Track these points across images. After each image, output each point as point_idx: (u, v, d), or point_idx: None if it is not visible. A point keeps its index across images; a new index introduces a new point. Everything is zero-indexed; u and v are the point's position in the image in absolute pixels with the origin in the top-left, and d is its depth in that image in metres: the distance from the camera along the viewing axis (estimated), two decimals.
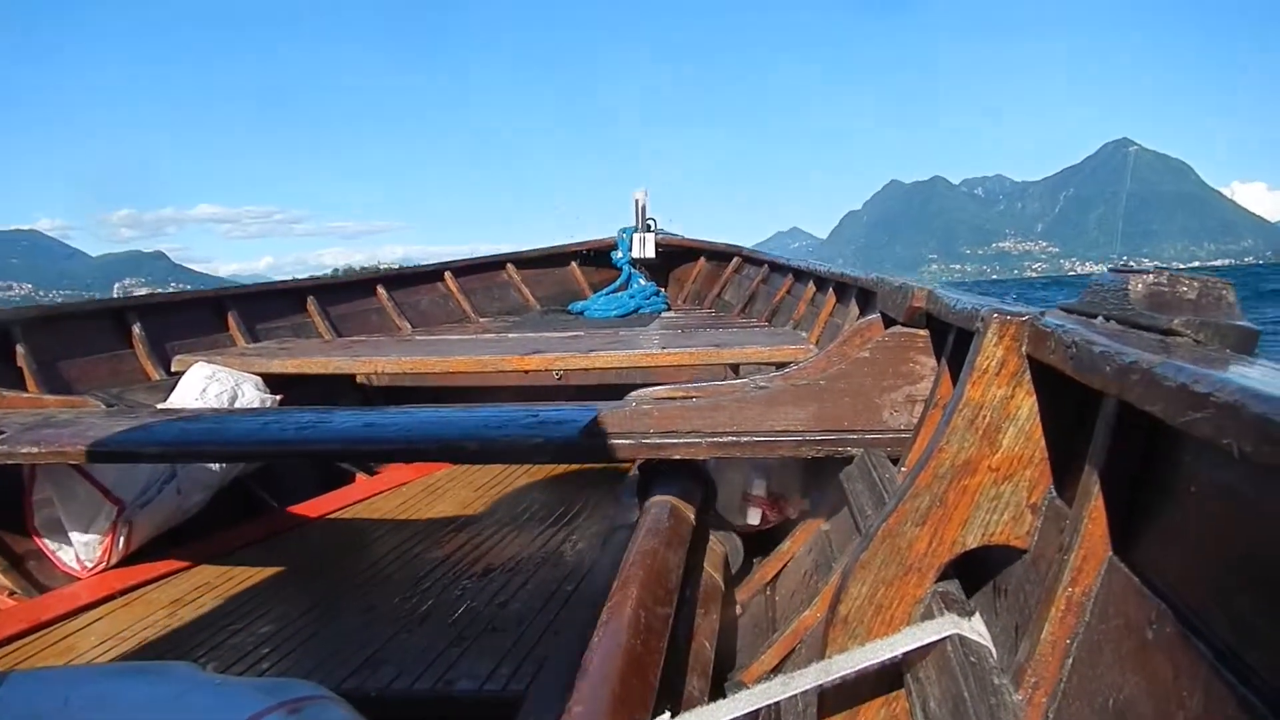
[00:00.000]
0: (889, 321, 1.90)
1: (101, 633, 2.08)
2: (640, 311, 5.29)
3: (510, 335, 4.17)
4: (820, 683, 1.01)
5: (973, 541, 1.09)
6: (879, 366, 1.81)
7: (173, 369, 3.32)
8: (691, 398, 1.87)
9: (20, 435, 2.09)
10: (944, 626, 1.03)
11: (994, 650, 1.02)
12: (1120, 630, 0.84)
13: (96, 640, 2.04)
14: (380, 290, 4.80)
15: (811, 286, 3.87)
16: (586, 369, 3.42)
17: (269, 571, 2.46)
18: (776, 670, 1.64)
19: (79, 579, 2.39)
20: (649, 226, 5.87)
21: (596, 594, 1.30)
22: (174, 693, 1.10)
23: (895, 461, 1.67)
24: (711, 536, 1.98)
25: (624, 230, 5.86)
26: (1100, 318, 1.03)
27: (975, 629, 1.03)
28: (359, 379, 4.08)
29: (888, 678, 1.10)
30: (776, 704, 1.01)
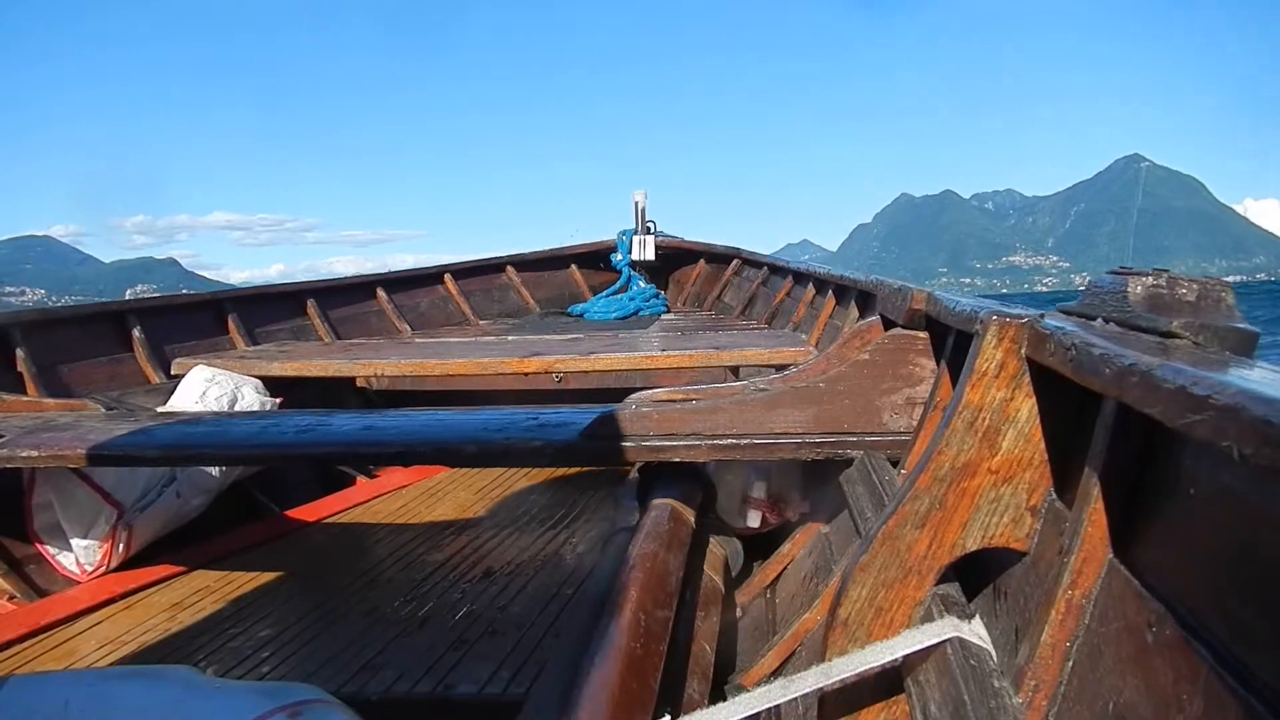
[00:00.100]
0: (888, 324, 1.90)
1: (101, 637, 2.08)
2: (640, 314, 5.29)
3: (510, 338, 4.17)
4: (820, 685, 1.01)
5: (973, 544, 1.09)
6: (878, 369, 1.81)
7: (172, 372, 3.32)
8: (691, 400, 1.87)
9: (20, 439, 2.09)
10: (944, 629, 1.03)
11: (994, 653, 1.02)
12: (1120, 633, 0.84)
13: (96, 644, 2.04)
14: (380, 293, 4.80)
15: (811, 289, 3.87)
16: (586, 371, 3.42)
17: (269, 575, 2.46)
18: (776, 673, 1.64)
19: (79, 583, 2.39)
20: (649, 229, 5.87)
21: (597, 597, 1.29)
22: (174, 696, 1.10)
23: (895, 464, 1.67)
24: (711, 539, 1.98)
25: (624, 233, 5.87)
26: (1099, 320, 1.03)
27: (975, 632, 1.03)
28: (359, 382, 4.08)
29: (888, 680, 1.10)
30: (776, 707, 1.00)
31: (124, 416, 2.45)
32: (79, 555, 2.40)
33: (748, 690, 1.01)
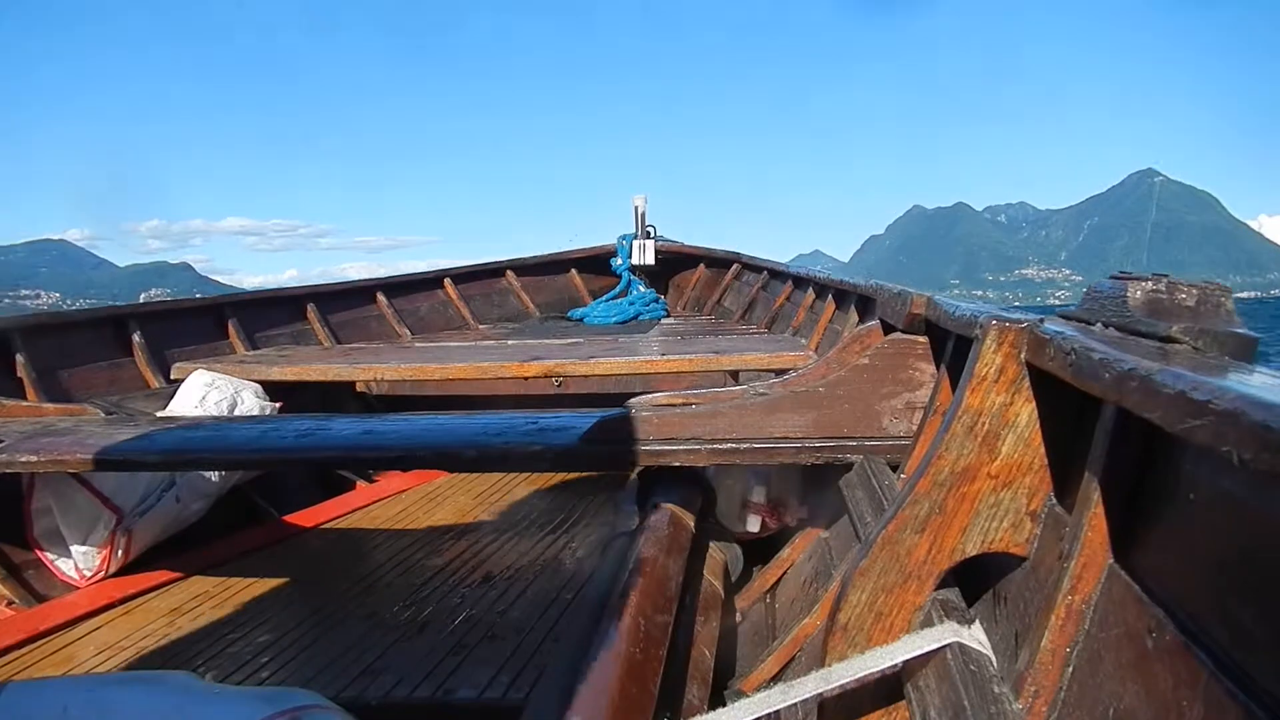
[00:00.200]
0: (888, 328, 1.90)
1: (100, 642, 2.08)
2: (640, 318, 5.29)
3: (510, 342, 4.18)
4: (820, 691, 1.01)
5: (972, 549, 1.08)
6: (878, 373, 1.81)
7: (172, 377, 3.32)
8: (691, 405, 1.87)
9: (19, 444, 2.09)
10: (944, 634, 1.03)
11: (994, 658, 1.02)
12: (1120, 638, 0.84)
13: (95, 649, 2.04)
14: (380, 297, 4.80)
15: (811, 293, 3.88)
16: (586, 376, 3.41)
17: (268, 580, 2.45)
18: (776, 678, 1.64)
19: (78, 588, 2.39)
20: (649, 233, 5.87)
21: (596, 601, 1.29)
22: (173, 702, 1.10)
23: (895, 468, 1.66)
24: (711, 544, 1.98)
25: (624, 237, 5.87)
26: (1099, 325, 1.03)
27: (975, 637, 1.03)
28: (358, 386, 4.08)
29: (888, 686, 1.10)
30: (776, 712, 1.00)
31: (123, 421, 2.45)
32: (78, 560, 2.39)
33: (747, 695, 1.01)
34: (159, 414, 2.84)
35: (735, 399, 1.85)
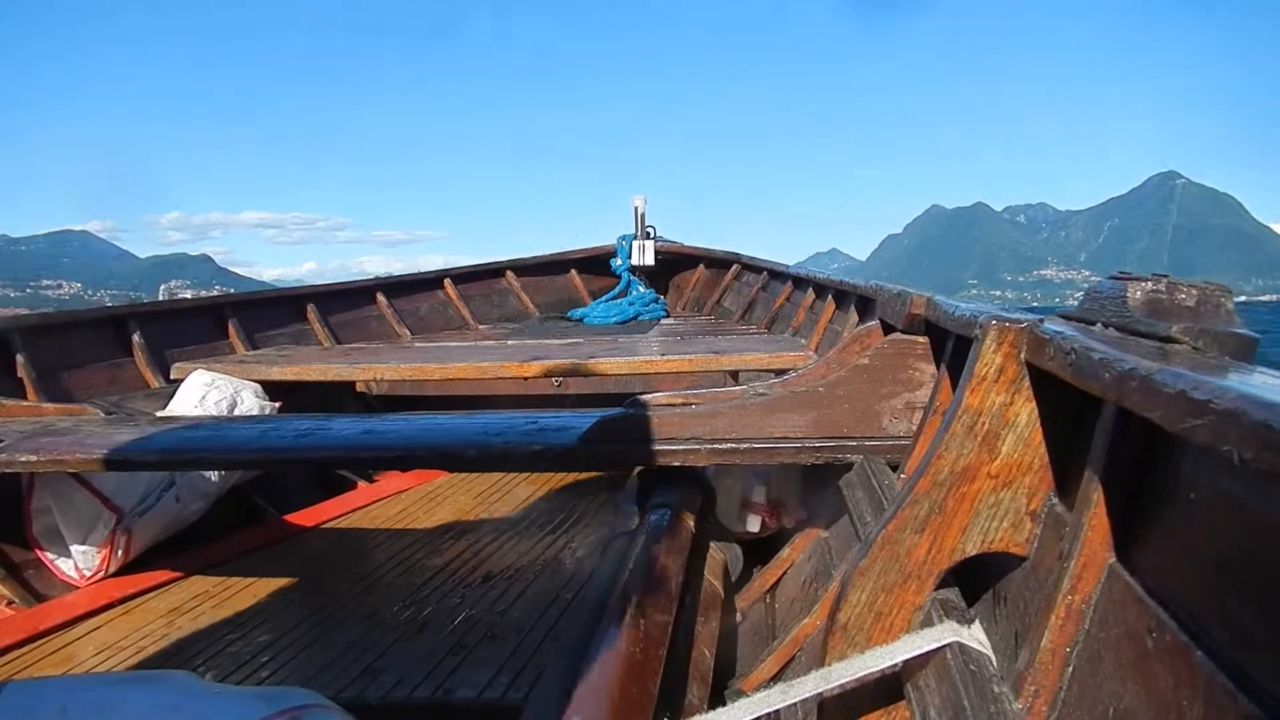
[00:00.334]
0: (888, 329, 1.90)
1: (100, 642, 2.08)
2: (639, 318, 5.29)
3: (510, 342, 4.18)
4: (820, 691, 1.01)
5: (972, 549, 1.08)
6: (878, 373, 1.81)
7: (172, 376, 3.32)
8: (690, 405, 1.86)
9: (19, 444, 2.09)
10: (944, 634, 1.03)
11: (994, 658, 1.02)
12: (1120, 638, 0.84)
13: (95, 649, 2.04)
14: (380, 297, 4.80)
15: (811, 294, 3.88)
16: (586, 376, 3.41)
17: (268, 580, 2.45)
18: (776, 678, 1.63)
19: (77, 588, 2.39)
20: (649, 234, 5.87)
21: (596, 601, 1.29)
22: (172, 702, 1.10)
23: (895, 468, 1.66)
24: (711, 544, 1.98)
25: (623, 237, 5.87)
26: (1099, 325, 1.03)
27: (975, 637, 1.03)
28: (358, 386, 4.08)
29: (887, 686, 1.10)
30: (776, 712, 1.00)
31: (123, 421, 2.44)
32: (78, 560, 2.39)
33: (747, 695, 1.01)
34: (159, 414, 2.84)
35: (735, 399, 1.85)
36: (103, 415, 2.53)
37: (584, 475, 3.41)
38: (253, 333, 3.99)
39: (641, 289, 5.78)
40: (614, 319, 5.20)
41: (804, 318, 3.86)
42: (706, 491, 2.06)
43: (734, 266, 5.59)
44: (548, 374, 3.33)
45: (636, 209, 5.85)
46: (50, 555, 2.42)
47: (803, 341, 3.53)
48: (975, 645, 1.02)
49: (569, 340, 4.13)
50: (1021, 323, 1.10)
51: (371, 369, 3.44)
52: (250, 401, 3.03)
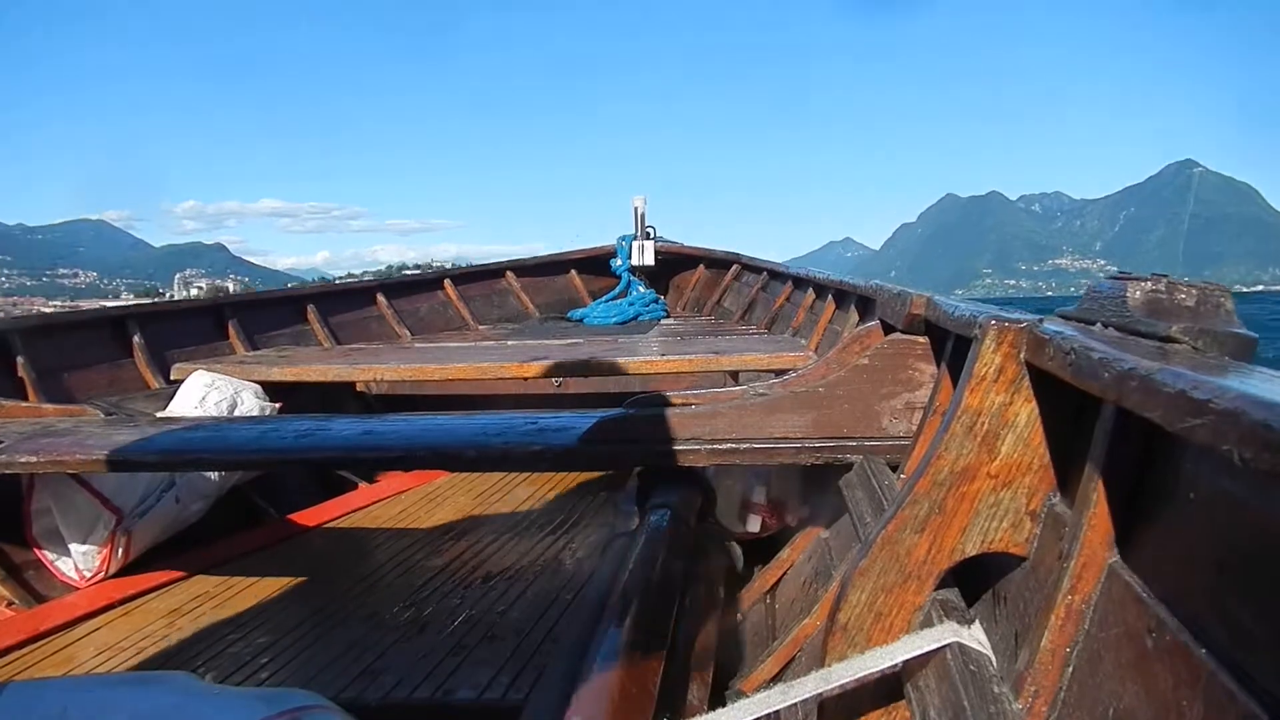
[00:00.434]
0: (888, 329, 1.90)
1: (100, 643, 2.08)
2: (639, 319, 5.29)
3: (510, 343, 4.18)
4: (820, 691, 1.01)
5: (972, 549, 1.08)
6: (878, 373, 1.81)
7: (172, 377, 3.32)
8: (690, 405, 1.86)
9: (19, 444, 2.09)
10: (944, 634, 1.03)
11: (994, 658, 1.02)
12: (1120, 638, 0.84)
13: (95, 650, 2.03)
14: (380, 298, 4.80)
15: (811, 294, 3.88)
16: (586, 376, 3.41)
17: (268, 580, 2.45)
18: (776, 678, 1.63)
19: (77, 589, 2.39)
20: (648, 234, 5.87)
21: (596, 602, 1.29)
22: (172, 703, 1.10)
23: (895, 469, 1.66)
24: (711, 544, 1.98)
25: (623, 238, 5.87)
26: (1098, 324, 1.03)
27: (975, 637, 1.03)
28: (358, 387, 4.08)
29: (887, 686, 1.10)
30: (776, 712, 1.00)
31: (123, 422, 2.44)
32: (77, 561, 2.39)
33: (747, 696, 1.01)
34: (159, 414, 2.84)
35: (735, 399, 1.85)
36: (103, 416, 2.53)
37: (584, 476, 3.41)
38: (253, 333, 3.99)
39: (641, 289, 5.78)
40: (614, 319, 5.20)
41: (804, 318, 3.86)
42: (706, 492, 2.06)
43: (734, 267, 5.59)
44: (548, 374, 3.33)
45: (636, 209, 5.86)
46: (50, 556, 2.42)
47: (803, 342, 3.53)
48: (975, 645, 1.02)
49: (569, 340, 4.13)
50: (1021, 323, 1.10)
51: (371, 369, 3.44)
52: (250, 402, 3.03)
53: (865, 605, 1.10)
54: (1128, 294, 1.00)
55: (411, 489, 3.44)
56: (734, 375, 3.54)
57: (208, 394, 2.95)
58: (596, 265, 5.96)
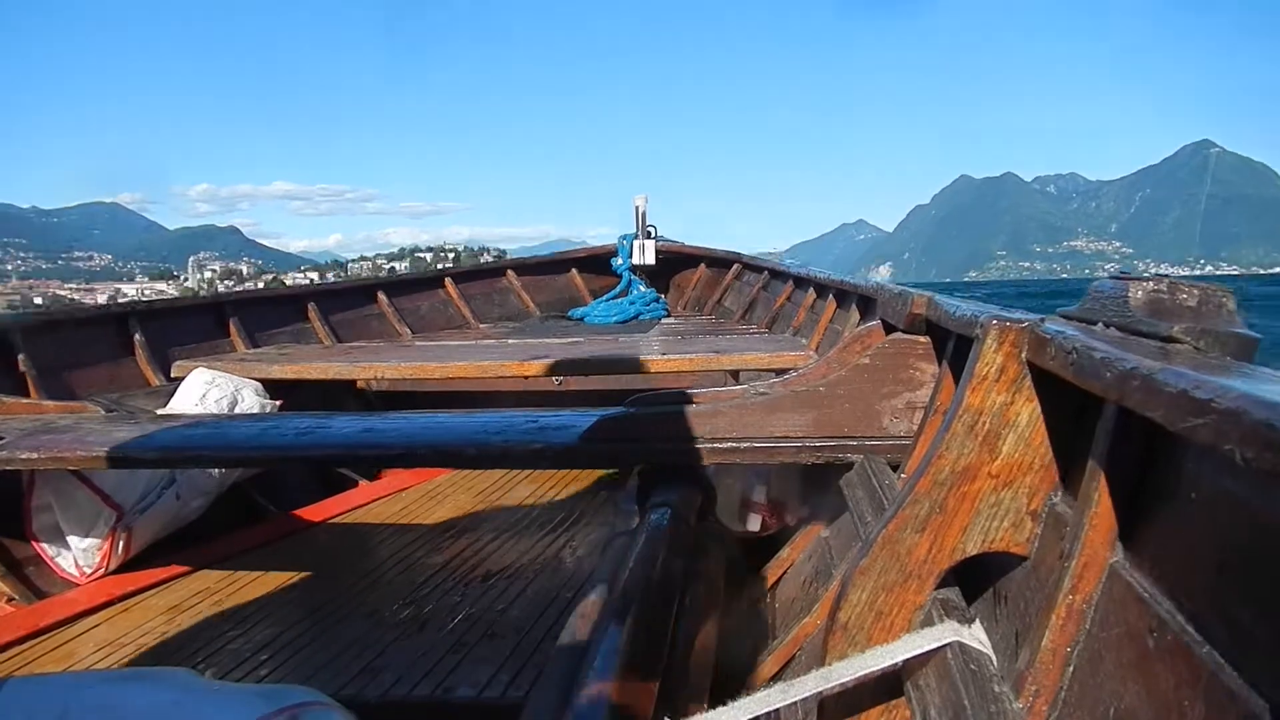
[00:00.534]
0: (889, 328, 1.90)
1: (100, 639, 2.08)
2: (640, 318, 5.29)
3: (510, 341, 4.18)
4: (820, 690, 1.01)
5: (973, 548, 1.08)
6: (879, 373, 1.80)
7: (173, 374, 3.32)
8: (691, 404, 1.86)
9: (20, 441, 2.09)
10: (944, 634, 1.03)
11: (994, 658, 1.02)
12: (1121, 638, 0.83)
13: (95, 646, 2.04)
14: (381, 296, 4.81)
15: (811, 293, 3.88)
16: (586, 375, 3.41)
17: (268, 577, 2.45)
18: (776, 677, 1.63)
19: (78, 585, 2.39)
20: (649, 233, 5.87)
21: (596, 601, 1.29)
22: (172, 699, 1.10)
23: (895, 468, 1.66)
24: (711, 543, 1.98)
25: (624, 237, 5.87)
26: (1100, 324, 1.03)
27: (975, 636, 1.03)
28: (359, 384, 4.08)
29: (888, 685, 1.10)
30: (776, 711, 1.00)
31: (124, 419, 2.45)
32: (78, 557, 2.39)
33: (747, 694, 1.01)
34: (159, 412, 2.84)
35: (735, 398, 1.85)
36: (103, 413, 2.53)
37: (585, 474, 3.41)
38: (253, 331, 3.99)
39: (642, 288, 5.78)
40: (615, 318, 5.20)
41: (805, 317, 3.86)
42: (706, 491, 2.06)
43: (735, 266, 5.59)
44: (548, 373, 3.33)
45: (637, 208, 5.86)
46: (50, 552, 2.42)
47: (803, 341, 3.53)
48: (976, 645, 1.02)
49: (570, 339, 4.13)
50: (1022, 322, 1.10)
51: (372, 368, 3.44)
52: (251, 400, 3.03)
53: (866, 604, 1.10)
54: (1129, 294, 1.00)
55: (412, 486, 3.44)
56: (735, 374, 3.53)
57: (208, 391, 2.95)
58: (597, 264, 5.97)
